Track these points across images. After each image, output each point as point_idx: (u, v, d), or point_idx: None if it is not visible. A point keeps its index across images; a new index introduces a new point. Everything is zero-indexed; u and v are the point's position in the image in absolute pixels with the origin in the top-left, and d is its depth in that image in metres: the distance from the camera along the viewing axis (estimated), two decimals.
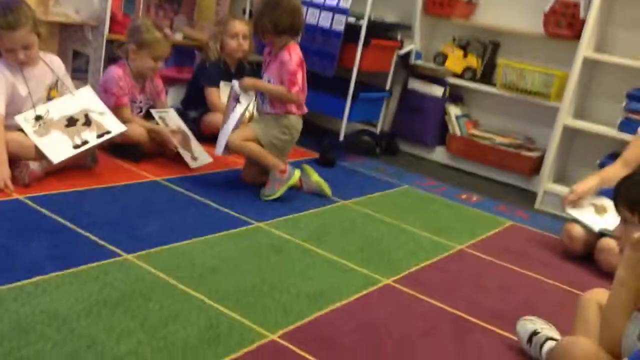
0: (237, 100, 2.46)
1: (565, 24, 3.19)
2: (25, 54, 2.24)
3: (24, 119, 2.21)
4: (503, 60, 3.42)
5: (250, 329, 1.53)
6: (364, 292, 1.85)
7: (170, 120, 2.72)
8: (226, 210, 2.29)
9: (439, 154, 3.74)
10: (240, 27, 3.12)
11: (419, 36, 3.67)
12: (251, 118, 2.67)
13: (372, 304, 1.79)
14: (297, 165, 2.59)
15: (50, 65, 2.38)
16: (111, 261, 1.73)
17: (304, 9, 3.29)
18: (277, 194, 2.45)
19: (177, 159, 2.69)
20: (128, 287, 1.61)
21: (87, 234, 1.86)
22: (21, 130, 2.22)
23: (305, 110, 2.58)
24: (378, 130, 3.73)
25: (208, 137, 2.83)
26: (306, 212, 2.44)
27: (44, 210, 1.96)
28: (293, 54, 2.48)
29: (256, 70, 2.91)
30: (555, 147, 3.16)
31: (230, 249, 1.97)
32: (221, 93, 3.03)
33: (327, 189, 2.64)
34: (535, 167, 3.35)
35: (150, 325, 1.46)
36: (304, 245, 2.12)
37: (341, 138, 3.36)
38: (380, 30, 3.48)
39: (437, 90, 3.66)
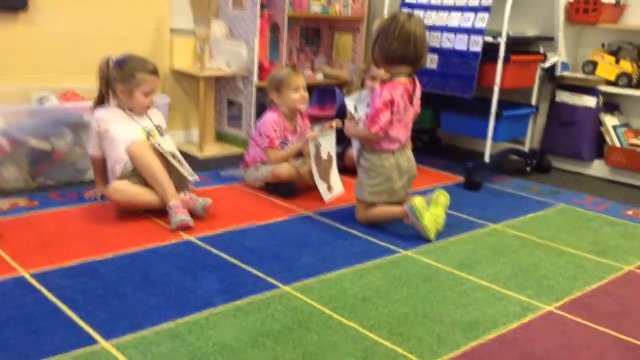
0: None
1: None
2: (152, 99, 2.53)
3: (158, 143, 2.41)
4: None
5: (405, 359, 1.54)
6: (524, 320, 1.78)
7: (324, 143, 2.76)
8: (373, 239, 2.34)
9: (597, 168, 3.48)
10: (378, 71, 3.17)
11: (563, 46, 3.49)
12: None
13: (534, 333, 1.72)
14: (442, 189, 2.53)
15: (150, 114, 2.59)
16: (271, 293, 1.84)
17: (438, 34, 3.31)
18: (428, 234, 2.33)
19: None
20: (288, 318, 1.70)
21: (249, 268, 2.01)
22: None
23: (393, 147, 2.40)
24: (526, 147, 3.58)
25: (351, 170, 2.92)
26: (454, 237, 2.41)
27: (211, 249, 2.16)
28: (385, 91, 2.31)
29: None
30: None
31: (379, 278, 2.00)
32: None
33: (430, 232, 2.34)
34: None
35: (310, 355, 1.53)
36: (455, 272, 2.09)
37: (487, 159, 3.28)
38: (520, 46, 3.37)
39: (590, 101, 3.44)
